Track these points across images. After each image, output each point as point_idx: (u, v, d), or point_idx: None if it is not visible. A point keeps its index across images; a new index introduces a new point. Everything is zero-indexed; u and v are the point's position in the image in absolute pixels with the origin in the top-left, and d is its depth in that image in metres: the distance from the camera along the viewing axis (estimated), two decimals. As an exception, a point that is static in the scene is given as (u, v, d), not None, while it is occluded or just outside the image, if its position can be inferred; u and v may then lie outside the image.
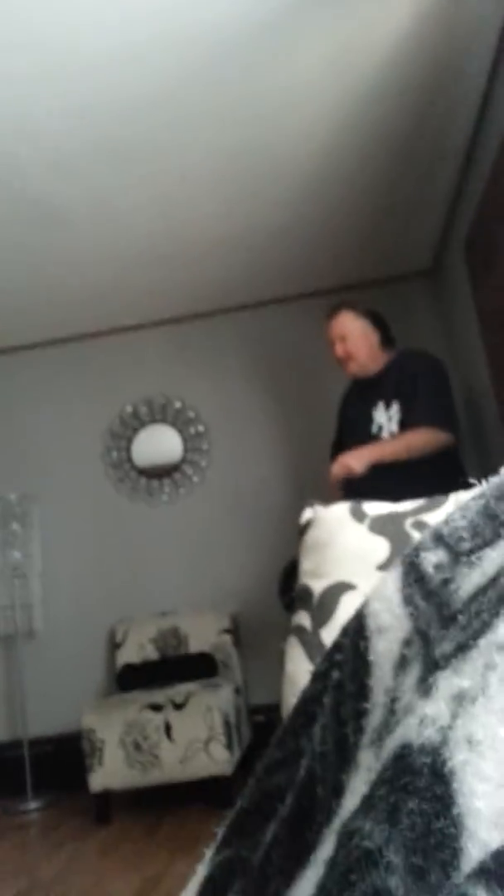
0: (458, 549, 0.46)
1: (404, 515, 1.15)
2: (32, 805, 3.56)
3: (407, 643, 0.43)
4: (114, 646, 3.95)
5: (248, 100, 2.65)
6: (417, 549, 0.48)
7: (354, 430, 2.96)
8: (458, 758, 0.33)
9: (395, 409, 2.80)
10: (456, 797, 0.32)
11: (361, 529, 1.15)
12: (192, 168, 3.00)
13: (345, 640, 0.49)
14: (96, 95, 2.49)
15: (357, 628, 0.48)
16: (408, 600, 0.46)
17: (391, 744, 0.37)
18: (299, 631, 1.13)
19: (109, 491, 4.30)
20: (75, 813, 3.35)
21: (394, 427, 2.79)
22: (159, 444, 4.33)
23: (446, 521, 0.49)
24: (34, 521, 4.05)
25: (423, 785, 0.33)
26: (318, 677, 0.50)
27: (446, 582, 0.44)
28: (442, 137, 3.04)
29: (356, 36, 2.41)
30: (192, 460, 4.30)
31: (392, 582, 0.48)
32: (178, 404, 4.34)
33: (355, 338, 2.90)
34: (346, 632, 0.49)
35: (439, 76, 2.66)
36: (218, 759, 3.05)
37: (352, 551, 1.14)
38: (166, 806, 3.21)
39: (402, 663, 0.43)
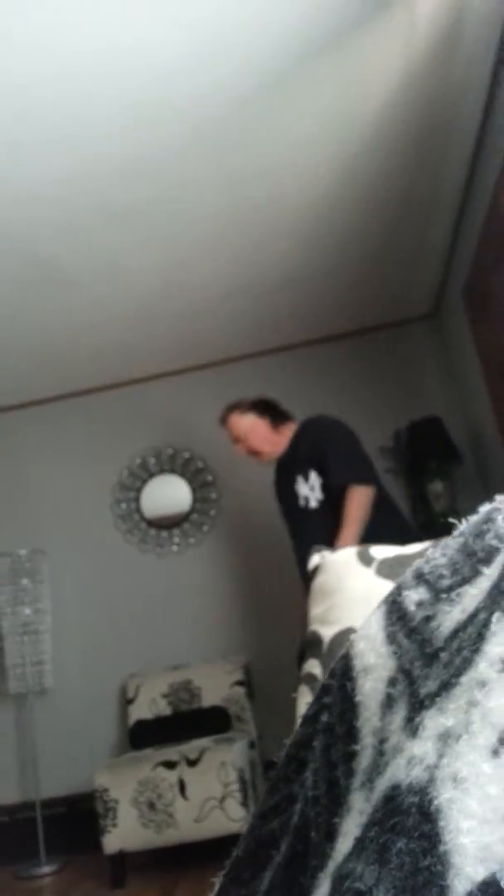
0: (439, 587, 0.46)
1: (412, 558, 1.15)
2: (45, 869, 3.47)
3: (392, 682, 0.43)
4: (126, 701, 3.89)
5: (248, 159, 2.73)
6: (400, 588, 0.49)
7: (288, 509, 3.02)
8: (444, 796, 0.33)
9: (313, 477, 2.85)
10: (442, 835, 0.32)
11: (369, 574, 1.15)
12: (194, 227, 3.07)
13: (332, 681, 0.49)
14: (101, 161, 2.57)
15: (343, 669, 0.48)
16: (391, 639, 0.46)
17: (381, 785, 0.37)
18: (310, 680, 1.12)
19: (119, 543, 4.29)
20: (89, 876, 3.26)
21: (319, 495, 2.84)
22: (168, 494, 4.33)
23: (427, 560, 0.49)
24: (44, 576, 4.04)
25: (410, 824, 0.33)
26: (308, 721, 0.50)
27: (428, 619, 0.45)
28: (437, 186, 3.11)
29: (349, 94, 2.49)
30: (201, 510, 4.30)
31: (376, 621, 0.48)
32: (186, 454, 4.36)
33: (248, 433, 3.02)
34: (333, 673, 0.49)
35: (433, 127, 2.74)
36: (234, 817, 2.97)
37: (360, 596, 1.13)
38: (182, 866, 3.12)
39: (388, 703, 0.43)
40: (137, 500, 4.34)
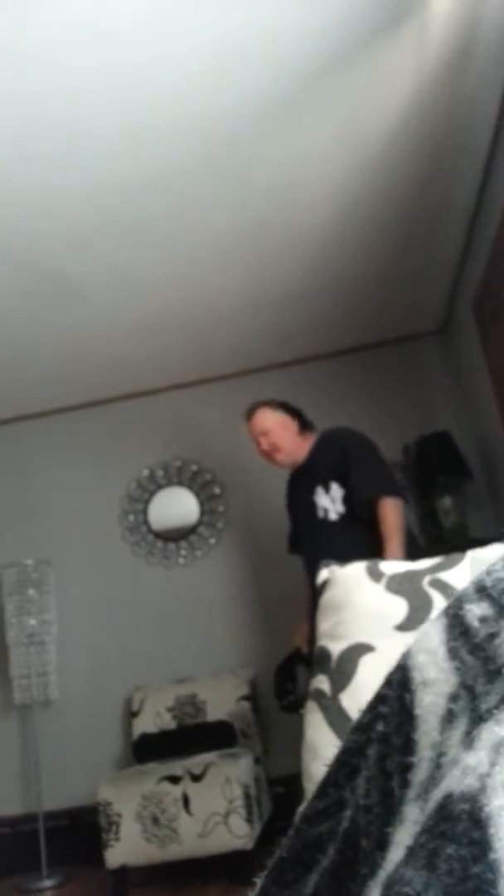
0: (503, 602, 0.46)
1: (422, 574, 1.14)
2: (47, 882, 3.44)
3: (454, 698, 0.43)
4: (130, 714, 3.88)
5: (259, 177, 2.74)
6: (461, 601, 0.48)
7: (303, 519, 2.99)
8: (495, 803, 0.33)
9: (334, 488, 2.83)
10: (493, 842, 0.32)
11: (378, 589, 1.14)
12: (204, 242, 3.09)
13: (389, 691, 0.49)
14: (113, 176, 2.59)
15: (401, 681, 0.48)
16: (453, 654, 0.46)
17: (436, 796, 0.37)
18: (318, 696, 1.11)
19: (126, 555, 4.28)
20: (91, 890, 3.23)
21: (339, 507, 2.80)
22: (176, 506, 4.33)
23: (489, 573, 0.49)
24: (50, 587, 4.03)
25: (460, 831, 0.33)
26: (361, 728, 0.50)
27: (492, 636, 0.44)
28: (447, 202, 3.12)
29: (360, 111, 2.50)
30: (208, 522, 4.29)
31: (436, 634, 0.48)
32: (194, 467, 4.36)
33: (277, 429, 2.99)
34: (389, 683, 0.49)
35: (444, 143, 2.75)
36: (238, 833, 2.94)
37: (369, 611, 1.12)
38: (185, 882, 3.09)
39: (448, 718, 0.43)
40: (145, 511, 4.34)
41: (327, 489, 2.84)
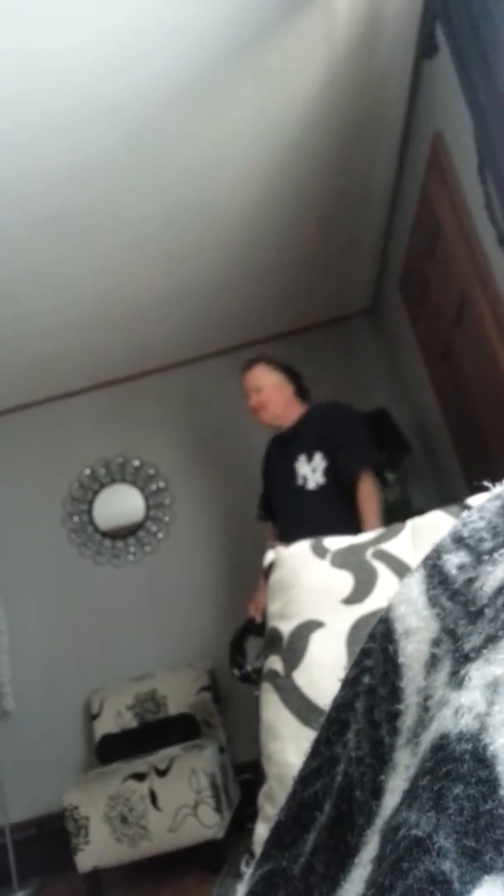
0: (480, 549, 0.47)
1: (365, 546, 1.15)
2: (20, 895, 3.39)
3: (436, 643, 0.44)
4: (90, 717, 3.83)
5: (177, 163, 2.71)
6: (438, 552, 0.49)
7: (280, 485, 3.00)
8: (498, 741, 0.34)
9: (317, 459, 2.84)
10: (501, 779, 0.33)
11: (324, 565, 1.15)
12: (127, 233, 3.04)
13: (373, 644, 0.49)
14: (26, 168, 2.52)
15: (384, 633, 0.48)
16: (433, 602, 0.46)
17: (427, 737, 0.38)
18: (272, 676, 1.11)
19: (73, 556, 4.22)
20: (65, 898, 3.20)
21: (319, 477, 2.82)
22: (121, 504, 4.29)
23: (464, 524, 0.50)
24: (-2, 595, 3.95)
25: (465, 770, 0.34)
26: (349, 684, 0.50)
27: (470, 581, 0.45)
28: (367, 181, 3.15)
29: (274, 93, 2.50)
30: (155, 517, 4.26)
31: (416, 585, 0.49)
32: (136, 462, 4.32)
33: (269, 388, 2.98)
34: (373, 637, 0.50)
35: (358, 123, 2.76)
36: (208, 823, 2.95)
37: (316, 588, 1.13)
38: (160, 878, 3.08)
39: (432, 662, 0.43)
40: (90, 511, 4.29)
41: (310, 458, 2.84)
